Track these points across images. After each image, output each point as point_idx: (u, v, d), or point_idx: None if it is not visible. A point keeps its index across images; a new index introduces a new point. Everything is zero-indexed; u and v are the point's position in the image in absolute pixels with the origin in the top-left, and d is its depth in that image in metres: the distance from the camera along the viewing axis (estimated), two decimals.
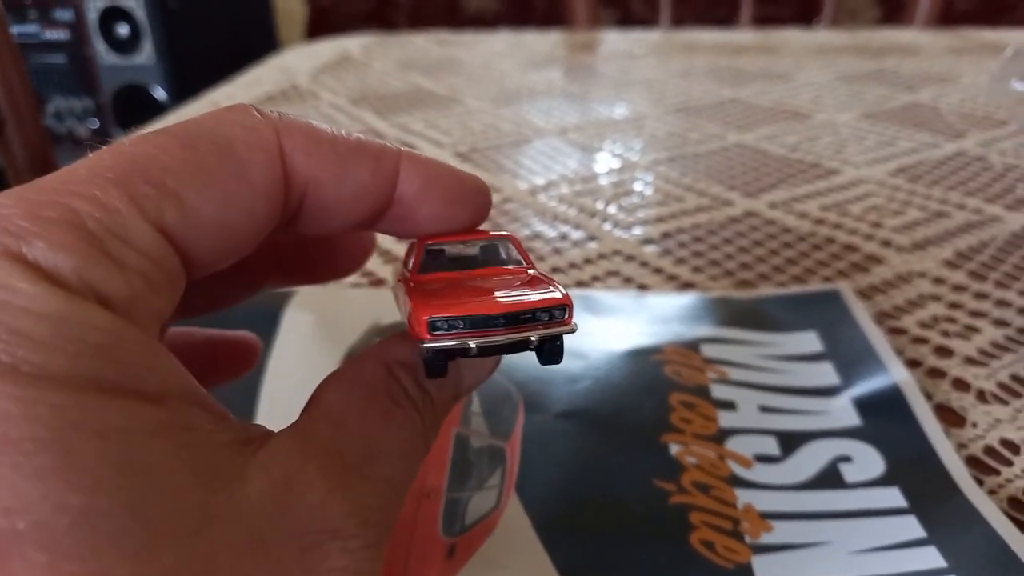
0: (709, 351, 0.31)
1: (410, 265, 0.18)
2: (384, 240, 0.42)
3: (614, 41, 0.98)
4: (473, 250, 0.18)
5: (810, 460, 0.26)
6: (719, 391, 0.29)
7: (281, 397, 0.29)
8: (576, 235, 0.44)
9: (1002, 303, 0.35)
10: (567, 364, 0.29)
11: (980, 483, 0.25)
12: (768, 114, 0.65)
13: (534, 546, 0.22)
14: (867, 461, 0.26)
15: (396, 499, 0.15)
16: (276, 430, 0.15)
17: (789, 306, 0.35)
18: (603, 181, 0.51)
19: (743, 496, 0.24)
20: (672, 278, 0.39)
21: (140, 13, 1.62)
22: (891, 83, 0.73)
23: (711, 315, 0.34)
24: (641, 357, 0.30)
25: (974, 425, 0.27)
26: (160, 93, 1.67)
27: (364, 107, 0.69)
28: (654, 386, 0.29)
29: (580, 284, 0.38)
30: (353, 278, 0.38)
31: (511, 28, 1.06)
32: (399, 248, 0.41)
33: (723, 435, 0.27)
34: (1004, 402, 0.29)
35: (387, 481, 0.15)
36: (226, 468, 0.13)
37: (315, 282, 0.22)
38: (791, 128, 0.61)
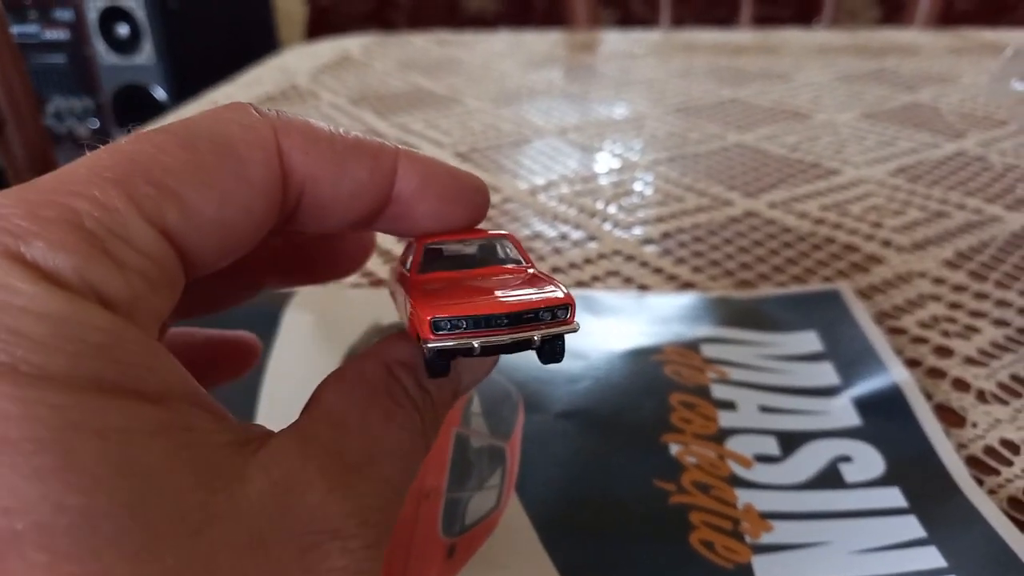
0: (709, 351, 0.31)
1: (408, 264, 0.18)
2: (384, 240, 0.42)
3: (614, 41, 0.98)
4: (472, 249, 0.18)
5: (810, 460, 0.26)
6: (719, 391, 0.29)
7: (281, 397, 0.29)
8: (576, 235, 0.44)
9: (1002, 303, 0.35)
10: (567, 364, 0.29)
11: (980, 483, 0.25)
12: (768, 114, 0.65)
13: (534, 546, 0.22)
14: (867, 461, 0.26)
15: (396, 499, 0.15)
16: (276, 430, 0.15)
17: (789, 306, 0.35)
18: (603, 181, 0.51)
19: (743, 496, 0.24)
20: (672, 278, 0.39)
21: (140, 13, 1.62)
22: (891, 83, 0.73)
23: (711, 315, 0.34)
24: (641, 357, 0.30)
25: (974, 425, 0.27)
26: (160, 93, 1.67)
27: (364, 107, 0.69)
28: (654, 386, 0.29)
29: (580, 284, 0.38)
30: (353, 278, 0.38)
31: (511, 28, 1.06)
32: (399, 248, 0.41)
33: (723, 435, 0.27)
34: (1004, 402, 0.29)
35: (387, 481, 0.15)
36: (226, 468, 0.13)
37: (315, 282, 0.22)
38: (791, 128, 0.61)
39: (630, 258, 0.41)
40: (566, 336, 0.16)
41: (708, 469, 0.25)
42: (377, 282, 0.39)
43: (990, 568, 0.21)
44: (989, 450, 0.26)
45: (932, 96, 0.69)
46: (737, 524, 0.23)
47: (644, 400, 0.28)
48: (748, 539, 0.23)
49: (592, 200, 0.48)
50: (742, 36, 0.98)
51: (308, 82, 0.77)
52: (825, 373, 0.30)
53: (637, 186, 0.50)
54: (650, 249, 0.42)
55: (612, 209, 0.47)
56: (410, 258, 0.18)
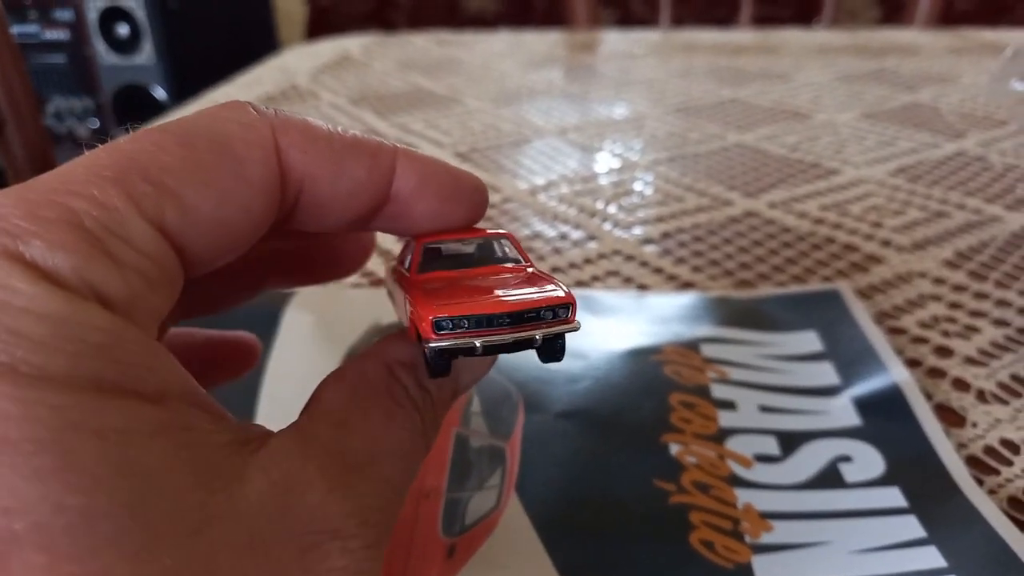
0: (709, 351, 0.31)
1: (407, 263, 0.18)
2: (384, 240, 0.42)
3: (614, 41, 0.98)
4: (470, 248, 0.18)
5: (810, 460, 0.26)
6: (719, 391, 0.29)
7: (281, 397, 0.29)
8: (576, 235, 0.44)
9: (1002, 303, 0.35)
10: (567, 364, 0.29)
11: (980, 483, 0.25)
12: (768, 114, 0.65)
13: (534, 546, 0.22)
14: (867, 461, 0.26)
15: (396, 499, 0.15)
16: (276, 430, 0.15)
17: (789, 306, 0.35)
18: (603, 181, 0.51)
19: (743, 496, 0.24)
20: (672, 278, 0.39)
21: (140, 13, 1.62)
22: (891, 83, 0.73)
23: (711, 315, 0.34)
24: (641, 357, 0.30)
25: (974, 425, 0.27)
26: (160, 93, 1.67)
27: (364, 107, 0.69)
28: (654, 386, 0.29)
29: (580, 284, 0.38)
30: (353, 278, 0.38)
31: (511, 28, 1.06)
32: (399, 248, 0.41)
33: (723, 435, 0.27)
34: (1004, 402, 0.29)
35: (387, 481, 0.15)
36: (225, 468, 0.13)
37: (315, 282, 0.22)
38: (791, 128, 0.61)
39: (630, 258, 0.41)
40: (566, 335, 0.16)
41: (708, 469, 0.25)
42: (377, 282, 0.38)
43: (990, 568, 0.21)
44: (989, 450, 0.26)
45: (932, 96, 0.69)
46: (737, 524, 0.23)
47: (644, 400, 0.28)
48: (748, 539, 0.23)
49: (592, 200, 0.48)
50: (742, 36, 0.98)
51: (308, 82, 0.77)
52: (825, 373, 0.30)
53: (637, 186, 0.50)
54: (650, 249, 0.42)
55: (612, 209, 0.47)
56: (408, 257, 0.18)
